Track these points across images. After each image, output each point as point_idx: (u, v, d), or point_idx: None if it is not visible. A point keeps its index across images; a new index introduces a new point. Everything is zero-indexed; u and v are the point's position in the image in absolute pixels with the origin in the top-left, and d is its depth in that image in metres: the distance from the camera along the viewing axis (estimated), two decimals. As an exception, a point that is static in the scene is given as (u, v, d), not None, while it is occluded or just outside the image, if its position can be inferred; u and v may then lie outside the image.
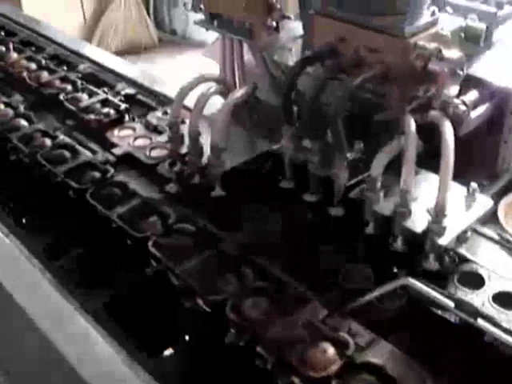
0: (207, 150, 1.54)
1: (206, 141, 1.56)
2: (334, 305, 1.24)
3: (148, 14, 5.33)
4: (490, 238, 1.41)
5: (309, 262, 1.37)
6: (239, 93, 1.54)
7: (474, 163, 1.57)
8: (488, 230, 1.43)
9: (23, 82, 2.11)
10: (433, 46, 1.32)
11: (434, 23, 1.36)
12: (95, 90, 2.02)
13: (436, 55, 1.30)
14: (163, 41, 5.41)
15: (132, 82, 2.20)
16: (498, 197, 1.52)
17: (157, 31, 5.38)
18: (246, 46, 1.88)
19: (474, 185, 1.37)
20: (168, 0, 5.38)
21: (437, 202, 1.27)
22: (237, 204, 1.51)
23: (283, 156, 1.51)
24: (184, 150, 1.61)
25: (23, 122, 1.88)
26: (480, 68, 1.51)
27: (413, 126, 1.31)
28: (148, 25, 5.30)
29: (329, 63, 1.40)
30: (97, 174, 1.61)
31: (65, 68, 2.21)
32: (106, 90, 2.04)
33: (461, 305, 1.16)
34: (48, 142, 1.77)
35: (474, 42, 1.57)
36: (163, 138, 1.69)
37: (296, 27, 1.76)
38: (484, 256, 1.35)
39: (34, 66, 2.23)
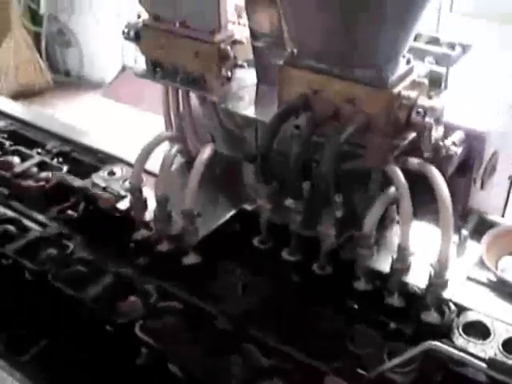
0: (176, 216, 1.43)
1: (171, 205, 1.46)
2: (347, 373, 1.17)
3: (40, 55, 5.08)
4: (477, 281, 1.40)
5: (308, 328, 1.29)
6: (205, 155, 1.44)
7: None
8: (474, 273, 1.41)
9: None
10: (414, 95, 1.30)
11: (410, 71, 1.34)
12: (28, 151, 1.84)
13: (420, 105, 1.28)
14: (58, 82, 5.17)
15: (58, 137, 2.04)
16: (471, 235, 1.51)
17: (51, 73, 5.14)
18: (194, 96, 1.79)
19: (465, 232, 1.35)
20: (61, 40, 5.16)
21: (439, 255, 1.23)
22: (215, 270, 1.41)
23: (260, 216, 1.43)
24: (147, 216, 1.49)
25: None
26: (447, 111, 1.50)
27: (403, 178, 1.27)
28: (41, 67, 5.05)
29: (305, 117, 1.34)
30: (54, 251, 1.45)
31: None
32: (39, 150, 1.87)
33: (494, 364, 1.12)
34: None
35: (435, 85, 1.57)
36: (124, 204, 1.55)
37: (247, 75, 1.69)
38: (477, 300, 1.33)
39: None
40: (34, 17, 5.14)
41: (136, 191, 1.48)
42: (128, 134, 2.03)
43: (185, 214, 1.40)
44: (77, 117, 4.23)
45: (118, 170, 1.72)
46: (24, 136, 2.01)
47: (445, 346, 1.14)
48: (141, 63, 5.31)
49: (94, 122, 4.11)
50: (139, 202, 1.49)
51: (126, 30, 1.77)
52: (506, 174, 1.94)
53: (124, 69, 5.23)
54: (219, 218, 1.49)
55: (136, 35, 1.75)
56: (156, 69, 1.74)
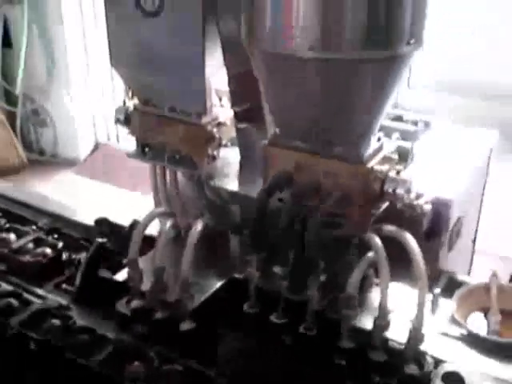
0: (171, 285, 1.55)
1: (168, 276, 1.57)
2: None
3: (15, 134, 5.20)
4: (450, 335, 1.52)
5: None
6: (197, 229, 1.56)
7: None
8: (447, 328, 1.54)
9: None
10: (386, 168, 1.45)
11: (381, 148, 1.50)
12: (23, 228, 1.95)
13: (390, 178, 1.44)
14: (32, 161, 5.28)
15: (48, 214, 2.15)
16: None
17: (25, 152, 5.25)
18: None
19: (437, 290, 1.49)
20: (35, 120, 5.30)
21: (416, 313, 1.36)
22: (210, 335, 1.51)
23: (249, 283, 1.55)
24: (144, 286, 1.60)
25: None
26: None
27: (380, 244, 1.41)
28: (16, 146, 5.16)
29: (288, 191, 1.49)
30: (57, 322, 1.54)
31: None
32: (33, 227, 1.97)
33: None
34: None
35: (403, 158, 1.74)
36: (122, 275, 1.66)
37: (231, 153, 1.84)
38: (452, 353, 1.45)
39: None
40: (9, 97, 5.28)
41: (133, 263, 1.59)
42: (103, 210, 2.14)
43: (180, 284, 1.51)
44: (52, 194, 4.33)
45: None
46: (17, 214, 2.11)
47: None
48: (113, 141, 5.46)
49: (69, 199, 4.22)
50: (136, 273, 1.59)
51: (116, 114, 1.91)
52: (469, 237, 2.11)
53: (97, 146, 5.38)
54: (211, 287, 1.61)
55: (126, 118, 1.89)
56: (145, 149, 1.88)
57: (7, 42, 5.15)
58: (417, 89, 5.69)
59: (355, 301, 1.41)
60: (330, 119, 1.42)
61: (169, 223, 1.61)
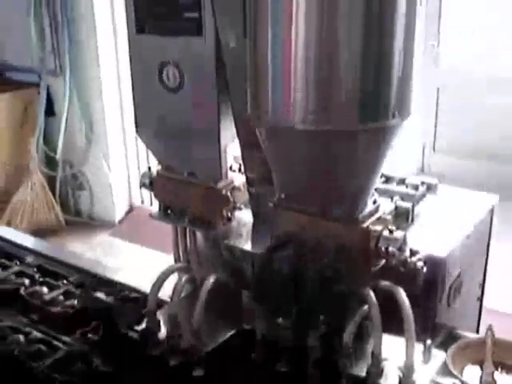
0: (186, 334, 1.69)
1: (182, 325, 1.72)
2: None
3: (54, 197, 5.48)
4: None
5: None
6: (208, 284, 1.72)
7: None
8: (441, 379, 1.64)
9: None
10: (380, 228, 1.60)
11: (377, 209, 1.64)
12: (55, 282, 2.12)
13: (384, 237, 1.58)
14: (69, 222, 5.54)
15: (78, 270, 2.32)
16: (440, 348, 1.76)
17: (62, 213, 5.52)
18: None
19: (428, 341, 1.61)
20: (73, 184, 5.58)
21: (406, 361, 1.48)
22: (219, 381, 1.65)
23: (256, 333, 1.68)
24: (161, 335, 1.74)
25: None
26: (412, 240, 1.80)
27: (374, 300, 1.54)
28: (54, 207, 5.43)
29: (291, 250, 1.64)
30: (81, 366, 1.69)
31: (17, 263, 2.29)
32: (64, 281, 2.15)
33: None
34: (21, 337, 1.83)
35: (403, 218, 1.88)
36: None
37: (244, 215, 2.00)
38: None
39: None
40: (50, 161, 5.59)
41: (151, 314, 1.74)
42: (136, 269, 2.32)
43: (193, 333, 1.66)
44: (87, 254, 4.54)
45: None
46: (50, 270, 2.29)
47: None
48: (146, 204, 5.73)
49: (104, 259, 4.43)
50: (154, 324, 1.75)
51: (141, 178, 2.11)
52: (473, 295, 2.22)
53: (131, 209, 5.62)
54: (222, 336, 1.75)
55: (150, 182, 2.08)
56: (167, 211, 2.06)
57: (50, 111, 5.51)
58: (442, 153, 5.87)
59: (350, 349, 1.53)
60: (328, 185, 1.58)
61: (185, 277, 1.77)
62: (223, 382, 1.65)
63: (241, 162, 1.97)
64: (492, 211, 2.16)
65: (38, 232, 5.13)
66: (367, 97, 1.42)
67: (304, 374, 1.61)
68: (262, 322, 1.67)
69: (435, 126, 5.86)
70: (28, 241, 2.59)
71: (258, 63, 1.49)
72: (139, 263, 4.48)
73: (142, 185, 2.10)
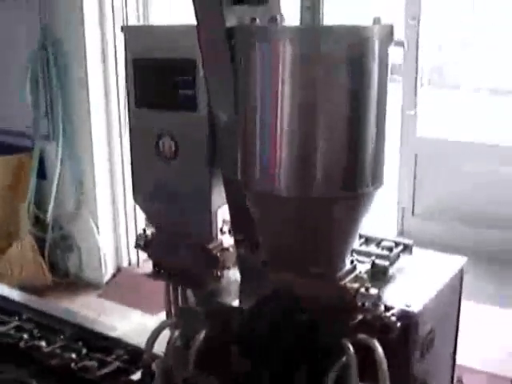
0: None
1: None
2: None
3: (43, 257, 5.58)
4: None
5: None
6: (199, 339, 1.86)
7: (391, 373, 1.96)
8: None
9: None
10: (356, 285, 1.76)
11: (354, 269, 1.81)
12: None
13: (360, 294, 1.74)
14: (57, 282, 5.63)
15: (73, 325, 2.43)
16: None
17: (51, 274, 5.61)
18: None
19: (403, 391, 1.75)
20: (63, 245, 5.70)
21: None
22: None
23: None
24: (155, 385, 1.87)
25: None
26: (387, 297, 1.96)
27: (352, 350, 1.69)
28: (43, 268, 5.53)
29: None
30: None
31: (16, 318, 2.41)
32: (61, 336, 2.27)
33: None
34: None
35: (380, 276, 2.04)
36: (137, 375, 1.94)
37: (233, 274, 2.16)
38: None
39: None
40: (40, 224, 5.71)
41: (147, 366, 1.88)
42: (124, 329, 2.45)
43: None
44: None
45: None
46: (46, 325, 2.41)
47: None
48: (133, 266, 5.78)
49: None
50: (149, 375, 1.87)
51: (136, 240, 2.26)
52: (446, 350, 2.36)
53: (119, 270, 5.73)
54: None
55: (145, 244, 2.23)
56: (160, 270, 2.21)
57: (42, 174, 5.66)
58: (420, 217, 6.08)
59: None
60: (310, 246, 1.75)
61: (177, 332, 1.90)
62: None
63: (230, 224, 2.14)
64: (461, 271, 2.33)
65: (27, 291, 5.19)
66: (345, 170, 1.61)
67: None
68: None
69: (413, 191, 6.09)
70: (23, 297, 2.71)
71: (247, 137, 1.68)
72: (127, 323, 4.56)
73: (137, 246, 2.25)
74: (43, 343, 2.23)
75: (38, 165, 5.60)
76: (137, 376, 1.94)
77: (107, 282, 5.63)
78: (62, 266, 5.81)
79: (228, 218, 2.25)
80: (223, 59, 1.75)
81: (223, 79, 1.78)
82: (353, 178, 1.63)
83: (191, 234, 2.09)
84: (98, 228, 5.56)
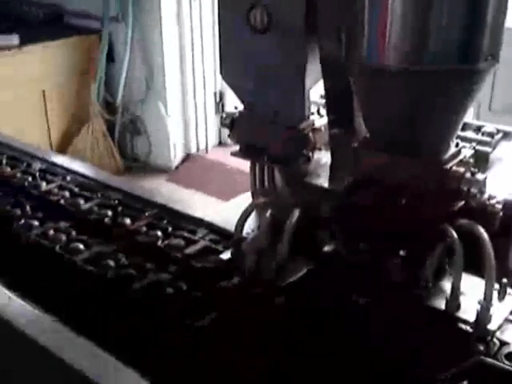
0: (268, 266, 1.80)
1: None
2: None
3: (113, 142, 5.63)
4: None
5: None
6: (295, 217, 1.81)
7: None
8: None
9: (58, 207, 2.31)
10: (462, 170, 1.66)
11: (458, 153, 1.70)
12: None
13: (466, 179, 1.64)
14: (127, 167, 5.69)
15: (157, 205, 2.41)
16: None
17: (120, 158, 5.67)
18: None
19: (504, 280, 1.67)
20: (132, 129, 5.72)
21: (485, 294, 1.56)
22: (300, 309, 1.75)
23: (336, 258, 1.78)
24: (244, 265, 1.85)
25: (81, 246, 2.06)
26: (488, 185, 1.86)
27: (455, 235, 1.61)
28: (114, 153, 5.59)
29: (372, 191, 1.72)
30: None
31: (98, 195, 2.42)
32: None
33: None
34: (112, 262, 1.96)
35: (482, 162, 1.94)
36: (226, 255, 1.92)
37: (323, 156, 2.08)
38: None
39: (67, 193, 2.44)
40: (110, 107, 5.72)
41: (237, 245, 1.85)
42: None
43: (277, 263, 1.76)
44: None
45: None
46: (129, 203, 2.40)
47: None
48: (202, 152, 5.83)
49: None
50: (239, 254, 1.85)
51: (223, 118, 2.19)
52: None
53: (188, 157, 5.74)
54: (302, 268, 1.84)
55: (231, 122, 2.16)
56: (247, 149, 2.14)
57: (111, 57, 5.61)
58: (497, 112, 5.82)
59: (430, 282, 1.62)
60: (415, 125, 1.64)
61: (268, 212, 1.86)
62: (305, 310, 1.75)
63: (322, 105, 2.04)
64: None
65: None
66: (462, 39, 1.47)
67: (382, 303, 1.69)
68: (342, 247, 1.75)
69: (492, 86, 5.80)
70: (103, 176, 2.70)
71: (354, 4, 1.55)
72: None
73: (224, 125, 2.18)
74: (128, 221, 2.22)
75: (107, 47, 5.54)
76: (226, 255, 1.91)
77: (177, 167, 5.66)
78: (130, 150, 5.87)
79: (319, 98, 2.14)
80: None
81: None
82: (470, 51, 1.49)
83: (282, 113, 1.99)
84: (167, 111, 5.53)
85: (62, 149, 5.48)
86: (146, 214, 2.28)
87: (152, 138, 5.64)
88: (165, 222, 2.24)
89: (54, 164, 2.80)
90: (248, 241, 1.89)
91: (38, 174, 2.62)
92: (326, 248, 1.84)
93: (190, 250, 2.04)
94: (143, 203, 2.42)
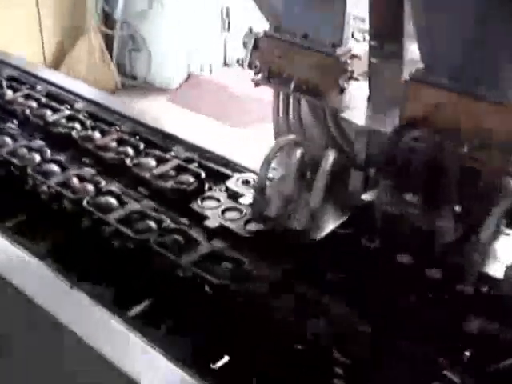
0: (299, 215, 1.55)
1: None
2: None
3: (111, 56, 5.27)
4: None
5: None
6: (330, 160, 1.54)
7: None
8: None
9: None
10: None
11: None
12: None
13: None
14: (125, 85, 5.35)
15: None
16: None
17: (118, 75, 5.32)
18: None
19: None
20: (131, 45, 5.33)
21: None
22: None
23: (376, 209, 1.53)
24: (268, 212, 1.60)
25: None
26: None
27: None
28: (111, 69, 5.23)
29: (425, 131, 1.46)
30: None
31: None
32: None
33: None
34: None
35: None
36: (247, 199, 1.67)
37: (359, 87, 1.80)
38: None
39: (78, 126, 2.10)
40: (108, 20, 5.33)
41: (260, 190, 1.59)
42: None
43: (309, 213, 1.52)
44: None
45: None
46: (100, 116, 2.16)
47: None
48: (206, 72, 5.46)
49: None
50: (262, 200, 1.59)
51: (244, 38, 1.90)
52: None
53: (189, 76, 5.40)
54: (333, 219, 1.60)
55: (254, 44, 1.87)
56: (271, 75, 1.86)
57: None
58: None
59: (486, 248, 1.39)
60: (480, 57, 1.37)
61: (299, 152, 1.59)
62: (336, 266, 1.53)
63: (358, 29, 1.76)
64: None
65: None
66: None
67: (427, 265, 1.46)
68: (385, 196, 1.51)
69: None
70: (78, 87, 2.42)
71: None
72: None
73: (244, 45, 1.90)
74: (97, 134, 1.98)
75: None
76: (246, 200, 1.66)
77: (177, 88, 5.33)
78: (129, 67, 5.51)
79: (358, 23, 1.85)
80: None
81: None
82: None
83: (317, 35, 1.71)
84: (169, 28, 5.16)
85: (56, 64, 5.13)
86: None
87: (152, 55, 5.27)
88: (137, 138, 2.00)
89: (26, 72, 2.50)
90: (272, 185, 1.64)
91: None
92: (364, 196, 1.59)
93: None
94: (116, 117, 2.16)
